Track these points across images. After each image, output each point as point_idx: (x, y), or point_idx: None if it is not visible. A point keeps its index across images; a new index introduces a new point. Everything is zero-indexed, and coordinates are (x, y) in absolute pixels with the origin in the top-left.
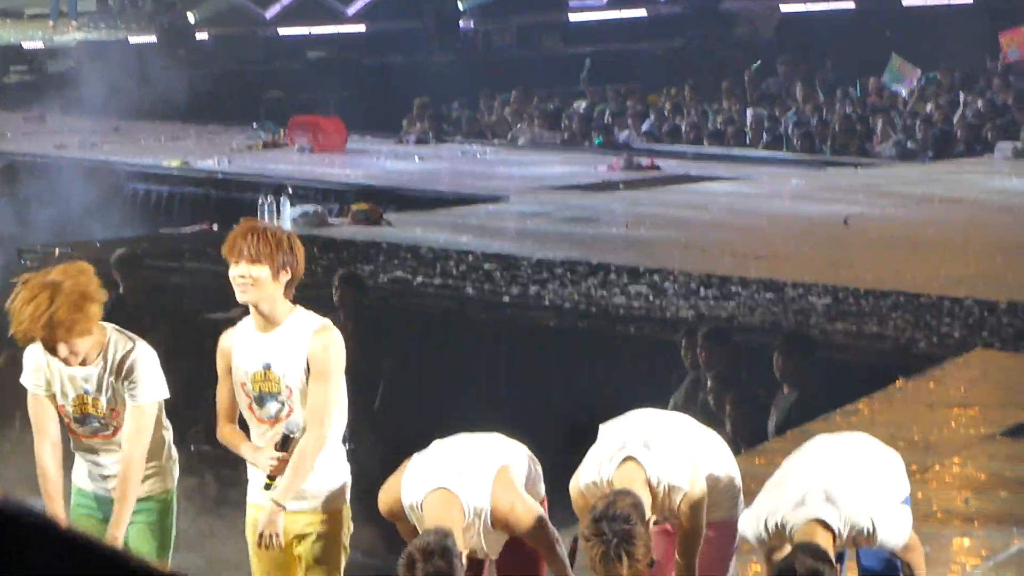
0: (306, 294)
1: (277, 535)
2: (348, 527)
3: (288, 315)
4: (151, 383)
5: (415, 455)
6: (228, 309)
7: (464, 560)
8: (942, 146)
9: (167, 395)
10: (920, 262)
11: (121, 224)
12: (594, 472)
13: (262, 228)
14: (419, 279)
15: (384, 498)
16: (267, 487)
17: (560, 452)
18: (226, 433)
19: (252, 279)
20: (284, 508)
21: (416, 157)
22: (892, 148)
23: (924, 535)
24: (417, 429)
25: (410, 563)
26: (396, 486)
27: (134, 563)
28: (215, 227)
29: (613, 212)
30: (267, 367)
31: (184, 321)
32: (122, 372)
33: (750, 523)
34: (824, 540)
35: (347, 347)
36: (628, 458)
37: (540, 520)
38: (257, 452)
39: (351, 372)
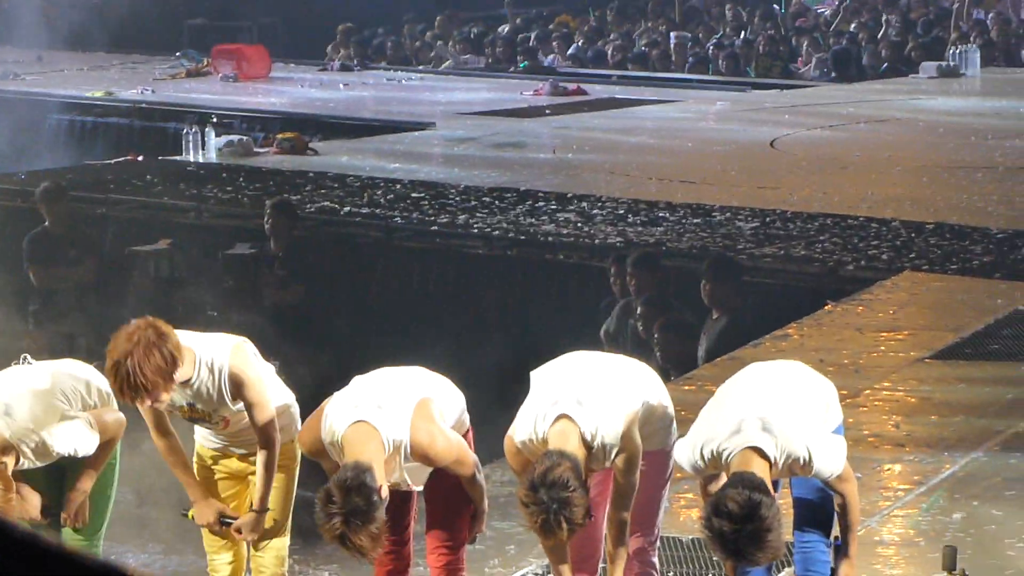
0: (234, 223)
1: (258, 535)
2: (298, 459)
3: (192, 369)
4: (254, 386)
5: (335, 393)
6: (153, 241)
7: (386, 493)
8: (864, 66)
9: (264, 386)
10: (847, 184)
11: (45, 156)
12: (528, 429)
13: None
14: (347, 208)
15: (304, 437)
16: (184, 515)
17: (489, 381)
18: (163, 447)
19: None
20: (268, 510)
21: (341, 84)
22: (815, 70)
23: (856, 460)
24: (345, 360)
25: (327, 499)
26: (316, 424)
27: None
28: (140, 158)
29: (540, 138)
30: (191, 406)
31: (109, 253)
32: (222, 393)
33: (685, 452)
34: (760, 469)
35: (278, 276)
36: (562, 415)
37: (460, 452)
38: (202, 501)
39: (281, 303)
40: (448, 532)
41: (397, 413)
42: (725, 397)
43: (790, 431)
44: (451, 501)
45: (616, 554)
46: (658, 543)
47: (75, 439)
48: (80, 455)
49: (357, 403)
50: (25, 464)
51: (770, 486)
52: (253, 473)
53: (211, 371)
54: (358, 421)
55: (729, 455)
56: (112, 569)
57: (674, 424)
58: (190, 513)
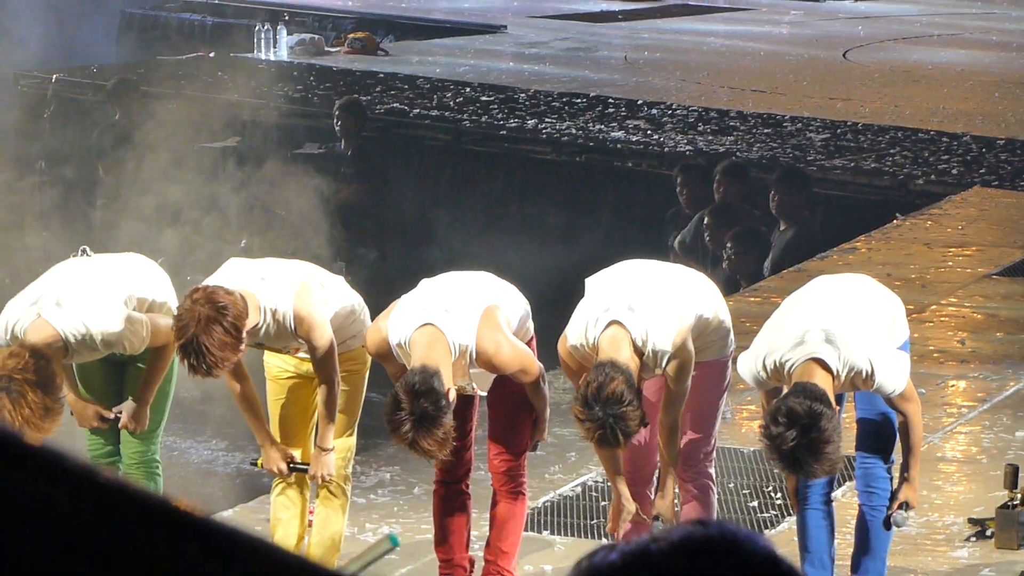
0: (304, 123)
1: (329, 475)
2: (368, 364)
3: (258, 315)
4: (317, 328)
5: (403, 296)
6: (225, 138)
7: (453, 396)
8: None
9: (327, 327)
10: (919, 97)
11: (117, 50)
12: (580, 334)
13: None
14: (416, 110)
15: (372, 338)
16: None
17: (552, 288)
18: (236, 390)
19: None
20: (332, 449)
21: None
22: None
23: (920, 376)
24: (412, 263)
25: (396, 403)
26: (384, 325)
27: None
28: (211, 54)
29: (611, 44)
30: (259, 344)
31: (180, 148)
32: (288, 334)
33: (748, 363)
34: (823, 380)
35: (347, 174)
36: (613, 321)
37: (525, 360)
38: (270, 447)
39: (349, 204)
40: (510, 438)
41: (464, 318)
42: (790, 309)
43: (854, 344)
44: (514, 408)
45: (668, 459)
46: (715, 453)
47: (124, 339)
48: (128, 353)
49: (425, 306)
50: (74, 358)
51: (832, 399)
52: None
53: (275, 316)
54: (425, 324)
55: (791, 366)
56: (158, 503)
57: (731, 335)
58: (259, 461)
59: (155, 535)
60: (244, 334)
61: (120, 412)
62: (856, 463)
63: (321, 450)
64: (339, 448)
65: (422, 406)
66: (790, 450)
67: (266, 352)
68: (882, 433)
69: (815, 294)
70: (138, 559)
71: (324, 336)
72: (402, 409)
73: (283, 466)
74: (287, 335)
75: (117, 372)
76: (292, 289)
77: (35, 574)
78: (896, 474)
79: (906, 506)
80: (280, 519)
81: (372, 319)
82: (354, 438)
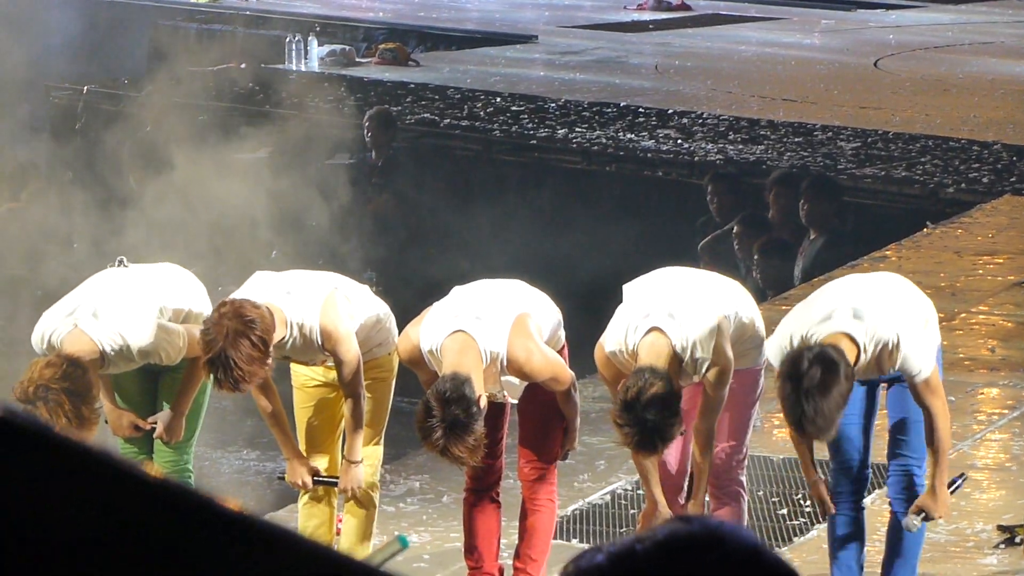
0: (333, 134)
1: (359, 487)
2: (394, 371)
3: (285, 329)
4: (343, 342)
5: (435, 303)
6: (255, 150)
7: (484, 404)
8: None
9: (353, 340)
10: (950, 105)
11: (149, 62)
12: (619, 340)
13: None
14: (446, 120)
15: (403, 345)
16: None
17: (584, 297)
18: (263, 405)
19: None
20: (360, 461)
21: None
22: None
23: (950, 384)
24: (441, 272)
25: (427, 411)
26: (415, 333)
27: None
28: (242, 65)
29: (642, 53)
30: (286, 358)
31: (212, 159)
32: (314, 347)
33: (775, 342)
34: (848, 351)
35: (377, 185)
36: (654, 328)
37: (556, 369)
38: (296, 460)
39: (380, 214)
40: (540, 447)
41: (496, 326)
42: (819, 293)
43: (881, 317)
44: (544, 416)
45: (702, 466)
46: (747, 461)
47: (160, 349)
48: (164, 363)
49: (457, 313)
50: (110, 368)
51: (852, 370)
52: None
53: (302, 330)
54: (457, 331)
55: (817, 340)
56: (195, 497)
57: (764, 344)
58: (287, 476)
59: (206, 534)
60: (271, 348)
61: (155, 422)
62: (889, 469)
63: (349, 463)
64: (367, 456)
65: (453, 413)
66: (796, 384)
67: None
68: (914, 438)
69: (846, 281)
70: (188, 556)
71: (351, 350)
72: (433, 416)
73: (308, 480)
74: (314, 349)
75: (152, 382)
76: (318, 303)
77: (87, 571)
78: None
79: (925, 514)
80: (307, 528)
81: (401, 327)
82: (381, 447)
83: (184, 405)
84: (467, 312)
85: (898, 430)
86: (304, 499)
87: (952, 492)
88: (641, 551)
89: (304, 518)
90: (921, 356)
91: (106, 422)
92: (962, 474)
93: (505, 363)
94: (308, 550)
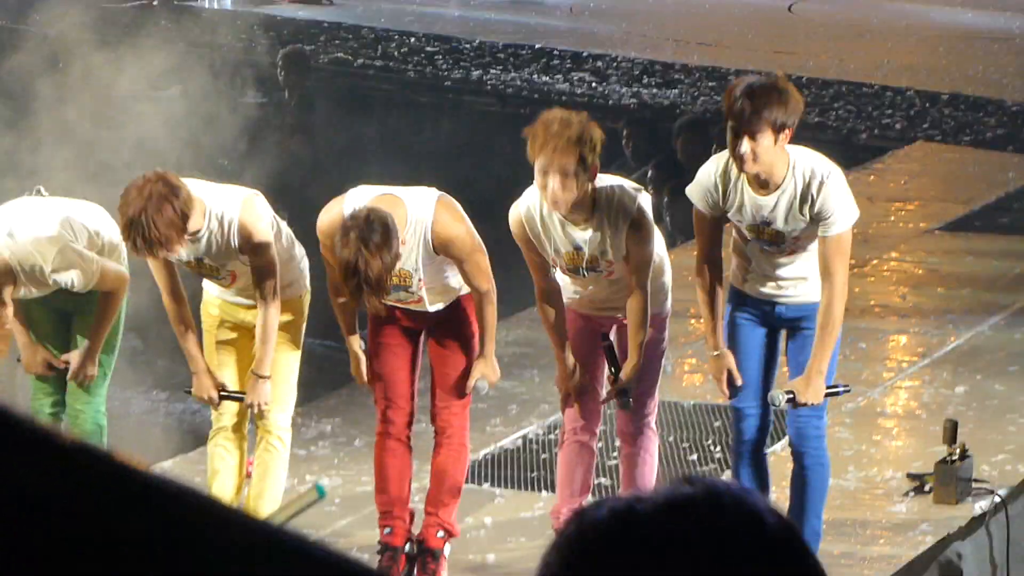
0: (245, 73)
1: (265, 403)
2: (305, 314)
3: (202, 220)
4: (261, 241)
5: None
6: (166, 88)
7: (394, 270)
8: None
9: (272, 243)
10: (864, 51)
11: None
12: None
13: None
14: (360, 60)
15: (325, 218)
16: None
17: (499, 242)
18: (173, 312)
19: None
20: (268, 376)
21: None
22: None
23: (861, 330)
24: None
25: (345, 225)
26: (338, 203)
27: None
28: (155, 2)
29: None
30: (199, 260)
31: (121, 98)
32: (230, 246)
33: (697, 181)
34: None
35: (290, 124)
36: None
37: (478, 246)
38: (203, 374)
39: (293, 154)
40: (452, 390)
41: (423, 197)
42: None
43: (817, 157)
44: (457, 359)
45: (636, 336)
46: (657, 407)
47: (73, 272)
48: (76, 289)
49: (382, 188)
50: (21, 291)
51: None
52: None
53: (221, 224)
54: (385, 194)
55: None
56: (102, 456)
57: (670, 290)
58: (193, 391)
59: (97, 495)
60: (188, 224)
61: (68, 361)
62: (788, 418)
63: (257, 377)
64: (279, 399)
65: (374, 227)
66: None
67: (204, 297)
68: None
69: None
70: (76, 518)
71: (267, 252)
72: (354, 226)
73: (214, 395)
74: (230, 251)
75: (66, 322)
76: (239, 200)
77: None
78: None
79: (793, 397)
80: (217, 470)
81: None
82: (294, 391)
83: (97, 342)
84: (392, 188)
85: (797, 372)
86: (213, 441)
87: (827, 395)
88: (642, 511)
89: (214, 459)
90: (845, 205)
91: (19, 360)
92: (847, 386)
93: (429, 232)
94: (196, 506)
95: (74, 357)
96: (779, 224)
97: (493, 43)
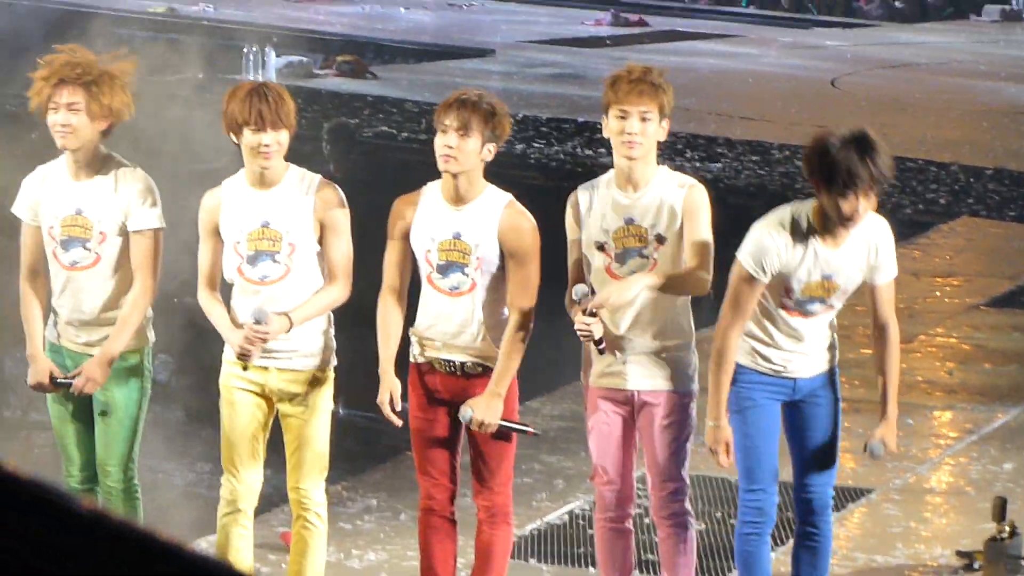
0: (291, 146)
1: (267, 334)
2: (332, 385)
3: (284, 172)
4: (154, 209)
5: None
6: (214, 160)
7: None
8: (928, 7)
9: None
10: (906, 125)
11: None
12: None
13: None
14: (404, 134)
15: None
16: (244, 368)
17: (539, 316)
18: (206, 298)
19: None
20: (290, 321)
21: (402, 8)
22: (879, 7)
23: (907, 407)
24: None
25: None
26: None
27: (114, 524)
28: (200, 75)
29: (600, 69)
30: (265, 224)
31: (170, 169)
32: (125, 191)
33: (750, 244)
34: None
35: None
36: None
37: (536, 269)
38: (232, 330)
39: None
40: (494, 467)
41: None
42: None
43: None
44: (497, 435)
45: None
46: (701, 484)
47: (153, 212)
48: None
49: None
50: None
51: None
52: (292, 396)
53: (303, 180)
54: None
55: (800, 204)
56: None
57: (696, 366)
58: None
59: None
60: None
61: (74, 377)
62: (801, 491)
63: (289, 319)
64: (314, 472)
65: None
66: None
67: (226, 368)
68: (827, 455)
69: None
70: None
71: (345, 226)
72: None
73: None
74: (303, 214)
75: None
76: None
77: None
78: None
79: (883, 444)
80: (239, 549)
81: (357, 332)
82: (327, 461)
83: (113, 347)
84: None
85: (807, 445)
86: (233, 519)
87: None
88: None
89: (232, 539)
90: (894, 252)
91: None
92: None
93: (508, 203)
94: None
95: (87, 366)
96: (840, 278)
97: (536, 116)
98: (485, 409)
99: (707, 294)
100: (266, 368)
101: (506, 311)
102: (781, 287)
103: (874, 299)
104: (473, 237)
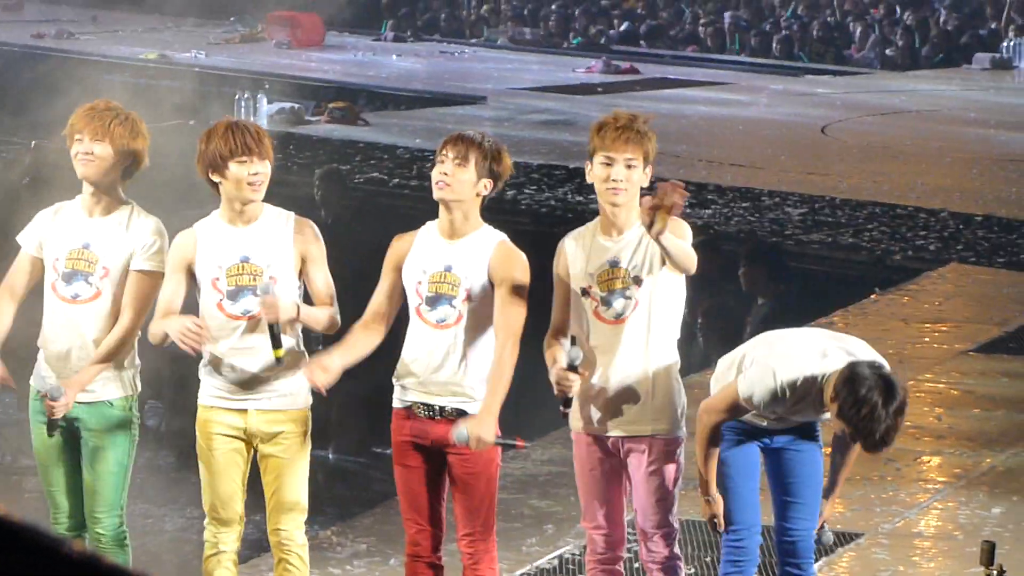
0: (283, 192)
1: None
2: (310, 422)
3: (261, 210)
4: (160, 255)
5: None
6: (202, 205)
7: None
8: (919, 55)
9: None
10: (897, 172)
11: None
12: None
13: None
14: (396, 180)
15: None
16: (279, 359)
17: (531, 350)
18: (157, 322)
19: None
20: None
21: (394, 55)
22: (871, 55)
23: (896, 451)
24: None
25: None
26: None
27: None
28: (191, 122)
29: (591, 116)
30: (245, 259)
31: (161, 215)
32: (136, 231)
33: (760, 385)
34: None
35: (326, 243)
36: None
37: (524, 292)
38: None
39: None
40: (475, 517)
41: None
42: (785, 339)
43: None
44: (477, 485)
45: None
46: (680, 531)
47: (150, 224)
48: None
49: None
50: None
51: None
52: (272, 436)
53: (279, 218)
54: None
55: (823, 379)
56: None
57: (684, 413)
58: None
59: None
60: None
61: (55, 396)
62: (785, 535)
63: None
64: (295, 515)
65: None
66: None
67: (203, 413)
68: (811, 495)
69: (804, 330)
70: None
71: (324, 261)
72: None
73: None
74: (284, 248)
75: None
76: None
77: None
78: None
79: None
80: None
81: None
82: (306, 503)
83: (104, 355)
84: None
85: (791, 495)
86: (217, 560)
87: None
88: None
89: None
90: None
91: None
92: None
93: (499, 237)
94: None
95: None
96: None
97: (527, 163)
98: (479, 425)
99: (692, 272)
100: (244, 411)
101: (489, 346)
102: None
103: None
104: (463, 269)
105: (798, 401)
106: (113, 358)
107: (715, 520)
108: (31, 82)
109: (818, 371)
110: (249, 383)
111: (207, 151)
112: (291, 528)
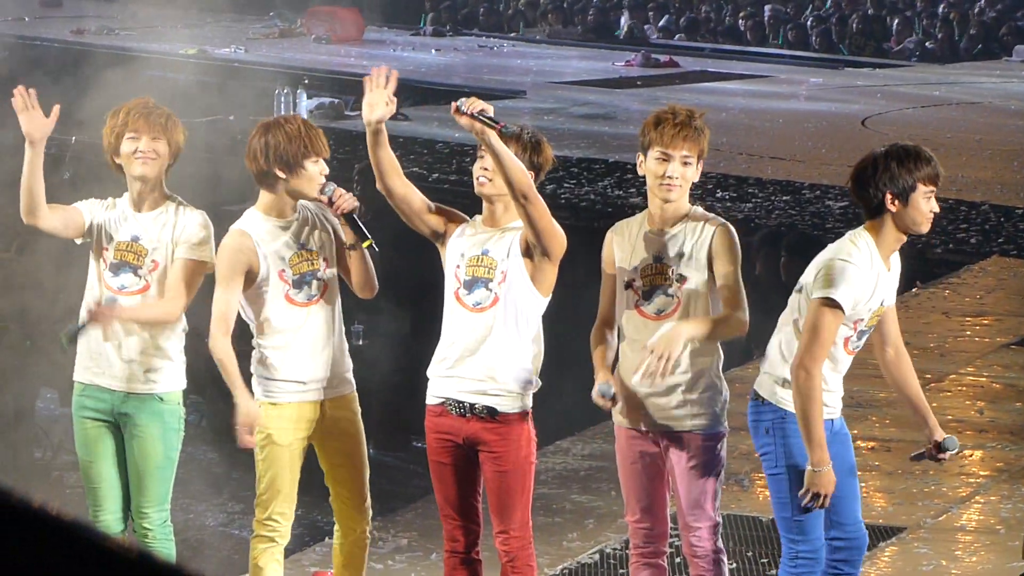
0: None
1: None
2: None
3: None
4: (205, 245)
5: None
6: (242, 201)
7: None
8: (958, 47)
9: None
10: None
11: None
12: None
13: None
14: (435, 175)
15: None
16: (371, 247)
17: (561, 348)
18: (222, 346)
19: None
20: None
21: (433, 50)
22: (911, 47)
23: None
24: (426, 325)
25: None
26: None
27: (131, 555)
28: (231, 118)
29: (630, 109)
30: (303, 247)
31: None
32: (183, 223)
33: (837, 279)
34: None
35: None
36: None
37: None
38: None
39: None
40: (510, 515)
41: None
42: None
43: None
44: (511, 482)
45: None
46: (723, 525)
47: (196, 219)
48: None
49: None
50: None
51: None
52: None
53: (317, 209)
54: None
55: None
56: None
57: (726, 406)
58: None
59: None
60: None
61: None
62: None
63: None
64: (365, 496)
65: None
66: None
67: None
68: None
69: None
70: None
71: None
72: None
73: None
74: (330, 238)
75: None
76: None
77: None
78: None
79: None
80: None
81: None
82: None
83: (137, 315)
84: None
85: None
86: (268, 552)
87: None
88: None
89: (268, 571)
90: None
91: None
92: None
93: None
94: None
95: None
96: (887, 301)
97: (567, 156)
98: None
99: (745, 334)
100: (320, 401)
101: (525, 336)
102: (852, 322)
103: (887, 320)
104: (500, 252)
105: (870, 268)
106: (142, 321)
107: (817, 494)
108: (72, 79)
109: (850, 235)
110: (323, 372)
111: (274, 145)
112: (367, 507)
